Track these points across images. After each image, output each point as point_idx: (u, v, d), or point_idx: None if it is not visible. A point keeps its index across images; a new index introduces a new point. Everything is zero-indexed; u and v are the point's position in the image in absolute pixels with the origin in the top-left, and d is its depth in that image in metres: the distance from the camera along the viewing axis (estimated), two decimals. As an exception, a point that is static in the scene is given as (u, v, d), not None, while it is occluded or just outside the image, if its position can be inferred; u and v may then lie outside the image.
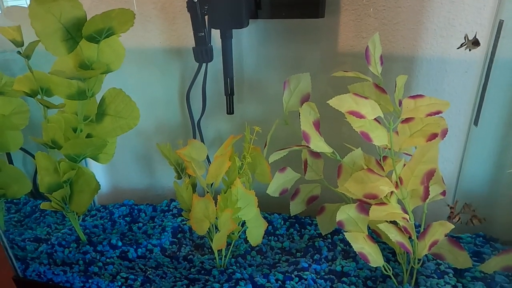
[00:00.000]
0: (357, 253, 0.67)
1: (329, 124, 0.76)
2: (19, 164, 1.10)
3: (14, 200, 1.09)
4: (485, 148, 0.80)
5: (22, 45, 0.76)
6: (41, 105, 0.76)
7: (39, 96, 0.79)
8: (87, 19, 0.67)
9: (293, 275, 0.75)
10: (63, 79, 0.73)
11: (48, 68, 0.78)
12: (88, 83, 0.75)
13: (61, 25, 0.66)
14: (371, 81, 0.68)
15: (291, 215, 0.86)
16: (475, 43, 0.64)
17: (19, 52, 0.76)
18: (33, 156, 1.06)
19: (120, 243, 0.87)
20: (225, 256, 0.80)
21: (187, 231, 0.93)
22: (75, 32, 0.68)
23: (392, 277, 0.71)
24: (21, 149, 1.00)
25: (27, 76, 0.77)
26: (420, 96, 0.61)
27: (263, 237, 0.82)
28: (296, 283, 0.73)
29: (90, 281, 0.78)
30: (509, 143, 0.78)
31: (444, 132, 0.65)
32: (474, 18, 0.72)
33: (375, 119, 0.61)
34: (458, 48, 0.66)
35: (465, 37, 0.65)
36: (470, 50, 0.65)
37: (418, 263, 0.69)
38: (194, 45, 0.84)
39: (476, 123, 0.78)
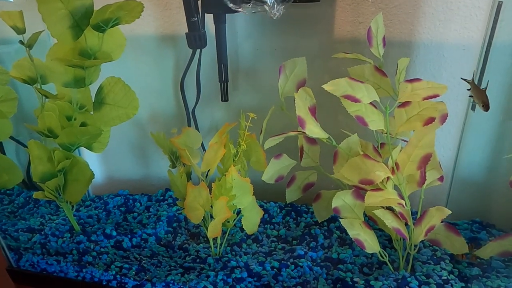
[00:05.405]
0: (353, 239, 0.67)
1: (326, 113, 0.75)
2: (12, 155, 1.09)
3: (7, 191, 1.08)
4: (482, 134, 0.79)
5: (24, 32, 0.74)
6: (40, 94, 0.74)
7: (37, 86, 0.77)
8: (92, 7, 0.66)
9: (289, 263, 0.74)
10: (59, 66, 0.72)
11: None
12: (88, 71, 0.74)
13: (67, 12, 0.65)
14: (372, 63, 0.67)
15: (287, 202, 0.85)
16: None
17: (21, 42, 0.73)
18: (25, 147, 1.04)
19: (114, 233, 0.86)
20: (221, 245, 0.79)
21: (183, 220, 0.92)
22: (81, 20, 0.67)
23: (388, 263, 0.71)
24: (13, 139, 0.99)
25: (24, 63, 0.75)
26: (417, 80, 0.60)
27: (259, 225, 0.82)
28: (292, 270, 0.73)
29: (84, 270, 0.77)
30: (507, 129, 0.77)
31: (444, 117, 0.64)
32: (472, 1, 0.70)
33: (371, 103, 0.60)
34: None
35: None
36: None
37: (415, 249, 0.69)
38: (187, 31, 0.82)
39: (473, 108, 0.77)
